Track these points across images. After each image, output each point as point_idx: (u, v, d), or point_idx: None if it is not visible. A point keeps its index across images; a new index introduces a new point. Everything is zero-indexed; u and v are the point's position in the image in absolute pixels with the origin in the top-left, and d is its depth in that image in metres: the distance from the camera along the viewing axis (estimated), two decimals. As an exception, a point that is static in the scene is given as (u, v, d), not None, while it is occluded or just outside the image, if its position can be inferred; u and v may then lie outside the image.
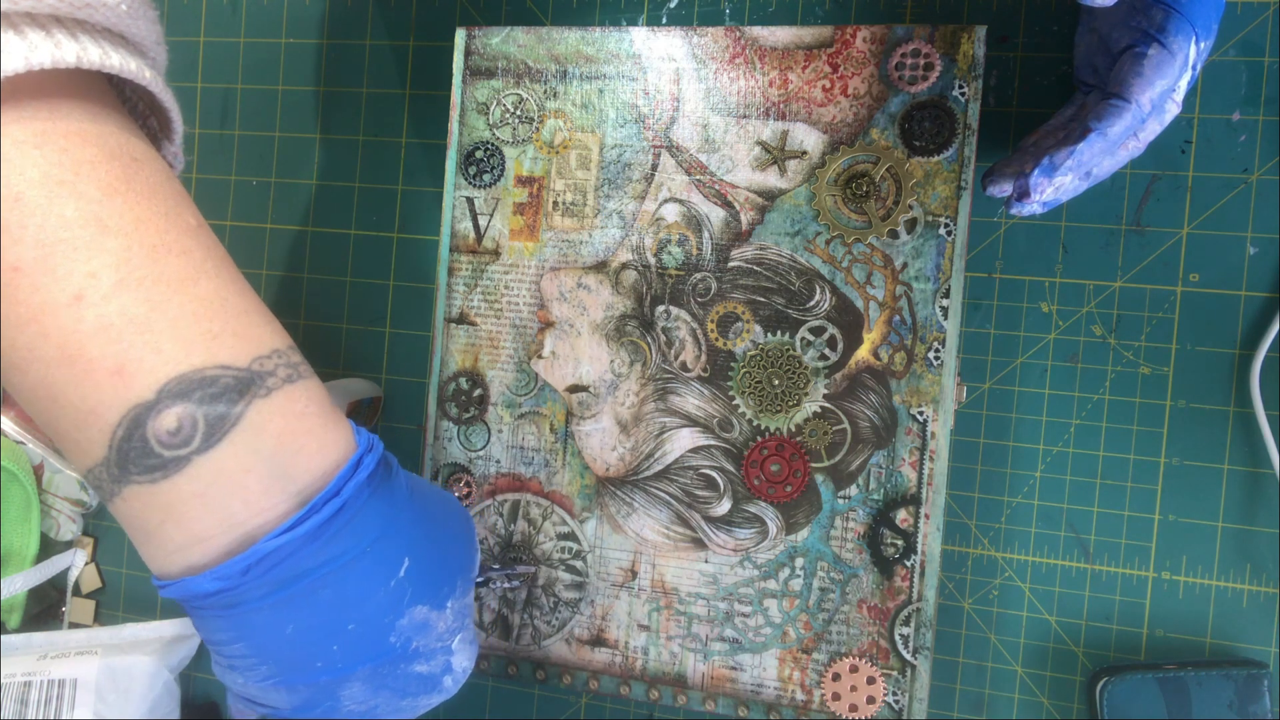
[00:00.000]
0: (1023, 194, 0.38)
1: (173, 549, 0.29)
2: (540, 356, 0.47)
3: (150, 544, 0.30)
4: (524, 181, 0.48)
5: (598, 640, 0.47)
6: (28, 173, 0.27)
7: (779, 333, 0.44)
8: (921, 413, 0.43)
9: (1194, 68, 0.36)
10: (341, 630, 0.30)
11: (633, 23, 0.48)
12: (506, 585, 0.47)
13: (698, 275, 0.45)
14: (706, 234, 0.45)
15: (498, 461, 0.48)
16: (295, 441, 0.30)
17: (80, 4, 0.28)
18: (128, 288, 0.28)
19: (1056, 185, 0.38)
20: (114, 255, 0.28)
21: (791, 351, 0.45)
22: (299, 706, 0.32)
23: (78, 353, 0.28)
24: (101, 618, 0.55)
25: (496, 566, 0.47)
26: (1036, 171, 0.37)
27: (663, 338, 0.46)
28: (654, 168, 0.46)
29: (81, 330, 0.27)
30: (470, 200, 0.48)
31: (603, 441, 0.46)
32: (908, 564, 0.43)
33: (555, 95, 0.47)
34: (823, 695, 0.44)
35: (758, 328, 0.45)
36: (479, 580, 0.44)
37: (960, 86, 0.42)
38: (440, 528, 0.34)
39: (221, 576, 0.29)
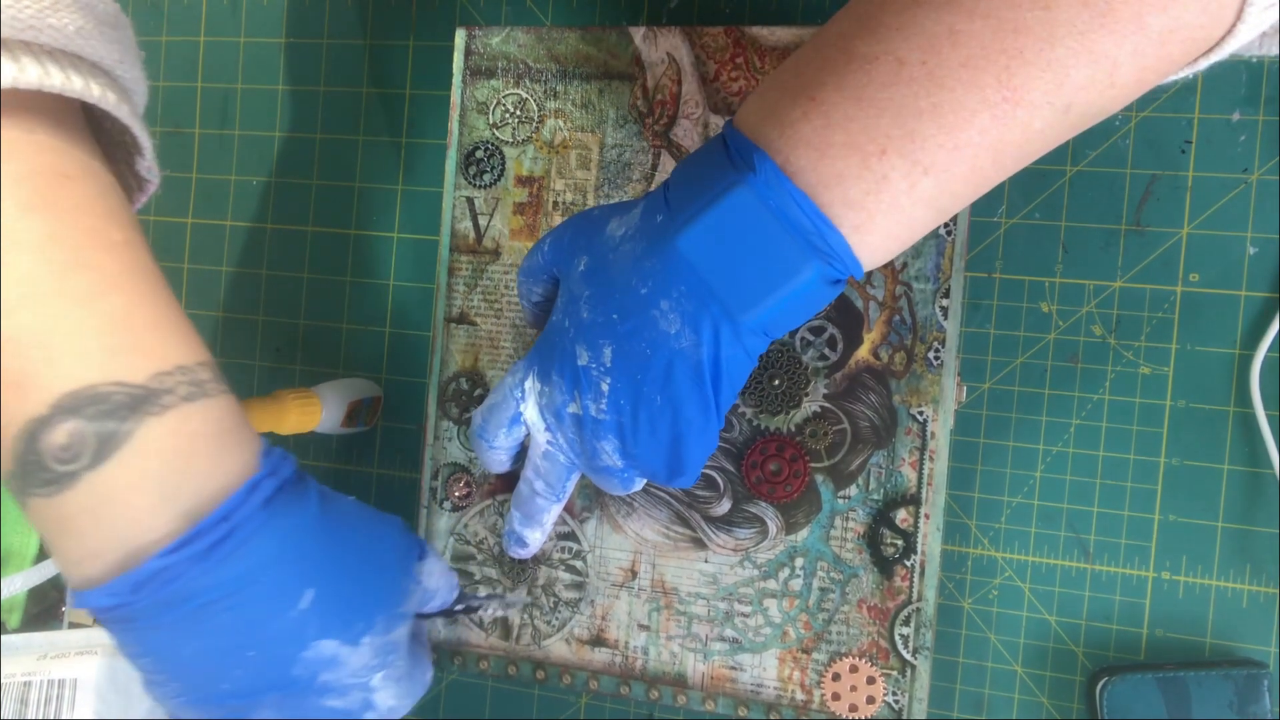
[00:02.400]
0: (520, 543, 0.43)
1: (73, 562, 0.30)
2: (540, 356, 0.47)
3: (56, 555, 0.31)
4: (524, 181, 0.48)
5: (598, 640, 0.47)
6: None
7: (779, 333, 0.44)
8: (921, 413, 0.43)
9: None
10: (242, 656, 0.30)
11: (633, 22, 0.48)
12: (498, 614, 0.47)
13: (698, 275, 0.45)
14: (706, 234, 0.45)
15: (498, 461, 0.48)
16: (185, 461, 0.30)
17: (24, 27, 0.29)
18: (31, 303, 0.29)
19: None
20: (21, 271, 0.29)
21: (791, 351, 0.45)
22: None
23: None
24: (101, 617, 0.55)
25: (483, 594, 0.46)
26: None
27: (663, 338, 0.46)
28: (654, 168, 0.46)
29: None
30: (470, 200, 0.48)
31: (603, 441, 0.46)
32: (908, 564, 0.43)
33: (555, 95, 0.47)
34: (822, 695, 0.44)
35: (758, 328, 0.45)
36: (458, 608, 0.42)
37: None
38: (360, 561, 0.33)
39: (113, 592, 0.29)
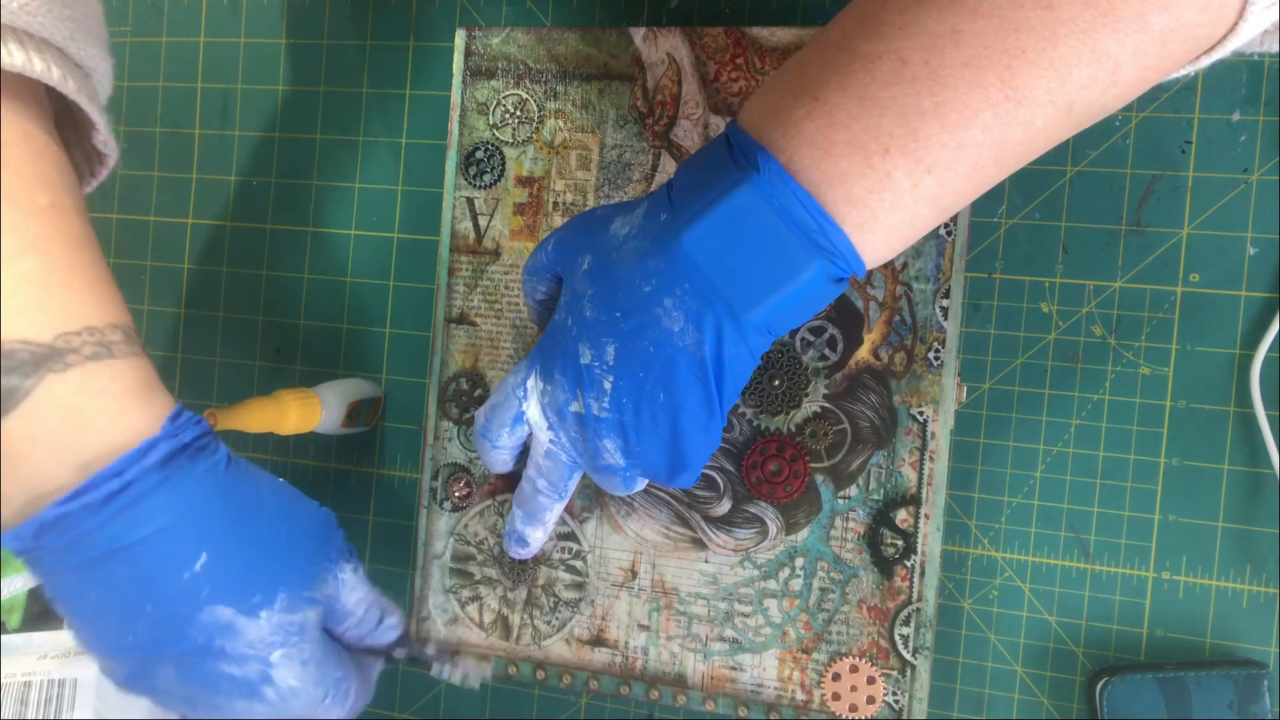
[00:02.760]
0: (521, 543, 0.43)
1: None
2: (540, 356, 0.47)
3: None
4: (524, 182, 0.48)
5: (598, 640, 0.47)
6: None
7: (779, 333, 0.44)
8: (921, 413, 0.43)
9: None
10: (141, 610, 0.32)
11: (633, 23, 0.48)
12: (451, 678, 0.45)
13: (698, 275, 0.45)
14: (706, 234, 0.45)
15: (498, 461, 0.48)
16: (85, 418, 0.31)
17: None
18: None
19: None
20: None
21: (791, 351, 0.45)
22: (128, 677, 0.33)
23: None
24: (101, 618, 0.55)
25: (432, 651, 0.44)
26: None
27: (663, 338, 0.46)
28: (654, 168, 0.46)
29: None
30: (470, 200, 0.48)
31: (603, 441, 0.46)
32: (908, 564, 0.43)
33: (555, 95, 0.47)
34: (822, 695, 0.44)
35: (758, 328, 0.45)
36: (398, 652, 0.40)
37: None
38: (265, 536, 0.34)
39: (18, 536, 0.31)
